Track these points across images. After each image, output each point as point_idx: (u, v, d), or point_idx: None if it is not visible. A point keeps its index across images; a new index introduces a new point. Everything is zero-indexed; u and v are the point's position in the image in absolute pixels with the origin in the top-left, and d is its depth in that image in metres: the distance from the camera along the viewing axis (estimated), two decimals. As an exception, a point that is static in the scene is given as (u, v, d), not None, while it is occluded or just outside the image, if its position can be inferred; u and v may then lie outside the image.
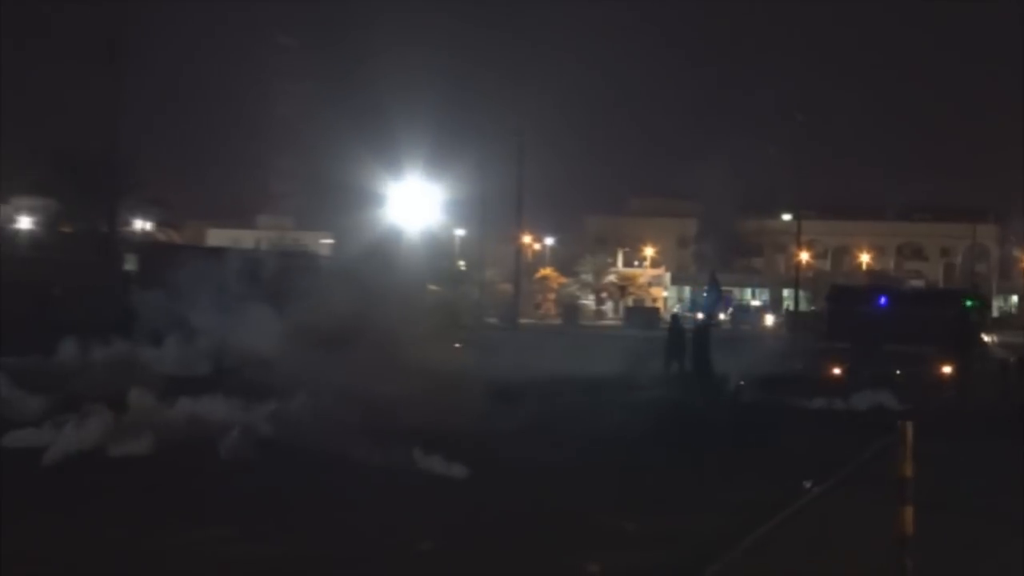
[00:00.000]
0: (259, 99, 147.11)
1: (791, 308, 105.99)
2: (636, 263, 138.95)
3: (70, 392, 25.19)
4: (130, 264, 48.09)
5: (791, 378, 38.94)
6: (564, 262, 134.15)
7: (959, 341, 40.48)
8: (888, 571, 12.77)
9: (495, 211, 74.78)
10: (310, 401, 23.27)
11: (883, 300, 47.30)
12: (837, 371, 39.81)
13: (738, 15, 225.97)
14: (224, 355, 29.98)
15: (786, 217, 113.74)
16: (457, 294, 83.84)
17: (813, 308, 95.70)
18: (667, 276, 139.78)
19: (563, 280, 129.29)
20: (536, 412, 26.46)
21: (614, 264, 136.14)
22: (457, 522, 16.68)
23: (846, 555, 14.82)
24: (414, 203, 71.80)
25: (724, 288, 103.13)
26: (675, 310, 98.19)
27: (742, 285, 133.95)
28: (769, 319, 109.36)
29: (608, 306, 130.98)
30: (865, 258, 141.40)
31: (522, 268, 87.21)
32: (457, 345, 38.40)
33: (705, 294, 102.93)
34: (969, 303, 45.64)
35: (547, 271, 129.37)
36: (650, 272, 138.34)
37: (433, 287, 53.25)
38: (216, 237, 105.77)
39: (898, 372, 37.86)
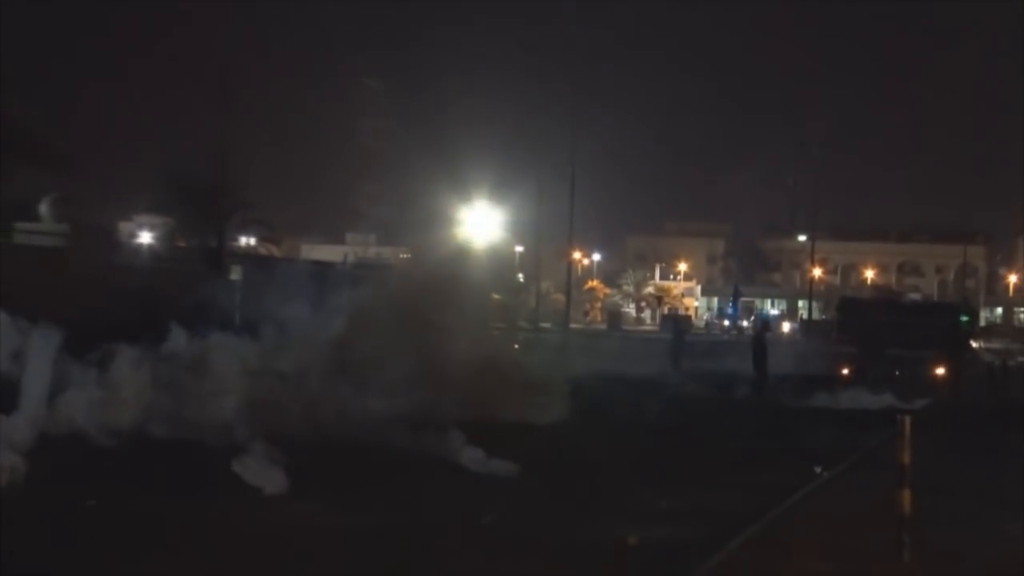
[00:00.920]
0: (349, 132, 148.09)
1: (805, 317, 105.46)
2: (671, 277, 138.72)
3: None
4: (235, 274, 48.25)
5: (807, 379, 38.80)
6: (609, 275, 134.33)
7: (952, 347, 40.17)
8: (889, 544, 12.76)
9: (550, 231, 75.00)
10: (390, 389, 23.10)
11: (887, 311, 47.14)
12: (846, 371, 39.57)
13: (757, 56, 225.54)
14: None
15: (801, 238, 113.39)
16: (516, 302, 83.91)
17: (824, 317, 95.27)
18: (698, 288, 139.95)
19: (608, 291, 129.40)
20: (587, 402, 26.30)
21: (652, 277, 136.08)
22: (511, 503, 16.49)
23: (853, 529, 14.74)
24: (481, 223, 72.11)
25: (747, 299, 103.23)
26: (675, 313, 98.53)
27: (763, 296, 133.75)
28: (786, 326, 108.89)
29: (647, 313, 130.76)
30: (870, 274, 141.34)
31: (573, 280, 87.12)
32: (516, 345, 38.59)
33: (730, 304, 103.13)
34: (960, 315, 45.28)
35: (594, 283, 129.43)
36: (683, 284, 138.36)
37: (496, 295, 53.25)
38: (310, 251, 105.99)
39: (898, 373, 37.60)
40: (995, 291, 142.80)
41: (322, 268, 42.51)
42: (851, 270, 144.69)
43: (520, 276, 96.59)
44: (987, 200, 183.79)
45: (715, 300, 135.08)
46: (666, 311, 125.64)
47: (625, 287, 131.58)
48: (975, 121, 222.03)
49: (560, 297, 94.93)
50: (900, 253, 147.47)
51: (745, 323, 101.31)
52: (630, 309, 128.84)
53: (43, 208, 37.73)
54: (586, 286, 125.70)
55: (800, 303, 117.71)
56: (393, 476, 17.86)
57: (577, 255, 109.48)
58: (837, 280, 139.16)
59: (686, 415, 29.57)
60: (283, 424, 19.80)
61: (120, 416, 20.41)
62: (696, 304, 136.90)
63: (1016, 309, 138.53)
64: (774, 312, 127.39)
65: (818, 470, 19.99)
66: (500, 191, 76.37)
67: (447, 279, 27.14)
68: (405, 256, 28.71)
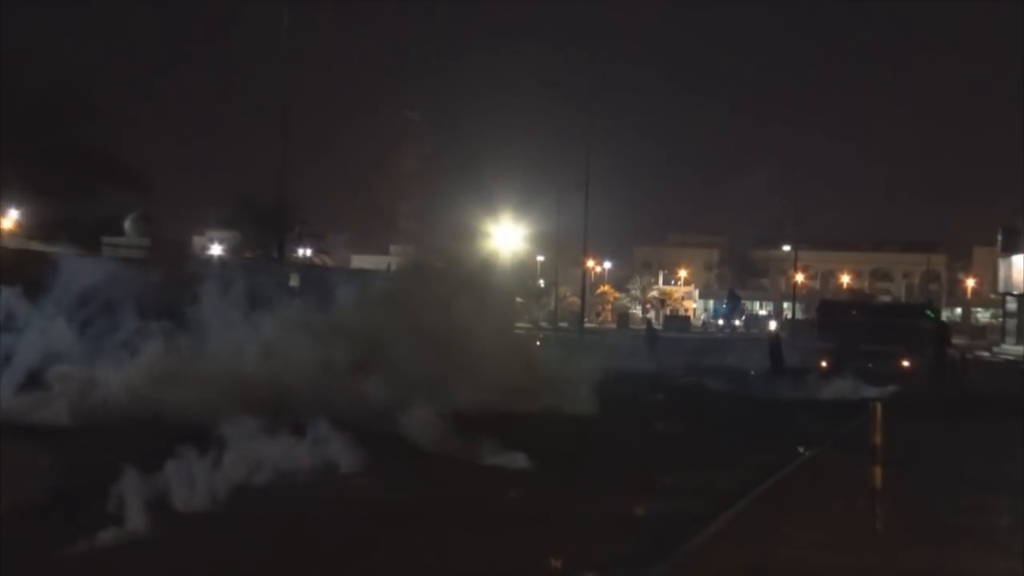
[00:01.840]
0: (391, 157, 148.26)
1: (789, 317, 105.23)
2: (673, 282, 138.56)
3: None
4: (293, 281, 48.38)
5: (792, 371, 38.73)
6: (618, 281, 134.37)
7: (918, 343, 39.94)
8: (863, 515, 12.73)
9: (566, 241, 74.91)
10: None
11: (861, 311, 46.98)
12: (825, 364, 39.33)
13: (748, 77, 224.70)
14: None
15: (786, 248, 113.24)
16: (538, 304, 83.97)
17: (806, 317, 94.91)
18: (696, 292, 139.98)
19: (617, 295, 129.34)
20: (601, 392, 26.31)
21: (656, 282, 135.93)
22: (530, 481, 16.35)
23: (831, 503, 14.70)
24: (506, 236, 72.25)
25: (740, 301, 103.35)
26: (650, 317, 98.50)
27: (752, 299, 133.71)
28: (772, 325, 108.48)
29: (652, 314, 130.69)
30: (846, 279, 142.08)
31: (587, 285, 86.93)
32: (537, 342, 38.57)
33: (724, 305, 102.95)
34: (925, 314, 44.90)
35: (606, 288, 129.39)
36: (683, 289, 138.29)
37: (520, 299, 53.36)
38: (358, 261, 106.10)
39: (870, 366, 37.36)
40: (955, 294, 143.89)
41: (366, 275, 42.46)
42: (829, 276, 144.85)
43: (541, 282, 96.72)
44: (948, 215, 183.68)
45: (711, 302, 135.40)
46: (668, 312, 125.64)
47: (633, 291, 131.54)
48: (942, 145, 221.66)
49: (576, 300, 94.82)
50: (872, 261, 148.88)
51: (737, 323, 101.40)
52: (637, 310, 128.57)
53: (127, 224, 37.82)
54: (598, 290, 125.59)
55: (785, 305, 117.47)
56: (433, 461, 17.41)
57: (591, 263, 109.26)
58: (817, 285, 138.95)
59: (685, 402, 29.59)
60: (334, 408, 19.55)
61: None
62: (694, 306, 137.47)
63: (973, 310, 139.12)
64: (762, 312, 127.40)
65: (800, 450, 19.94)
66: (523, 207, 76.50)
67: (478, 285, 27.13)
68: (438, 265, 28.42)
